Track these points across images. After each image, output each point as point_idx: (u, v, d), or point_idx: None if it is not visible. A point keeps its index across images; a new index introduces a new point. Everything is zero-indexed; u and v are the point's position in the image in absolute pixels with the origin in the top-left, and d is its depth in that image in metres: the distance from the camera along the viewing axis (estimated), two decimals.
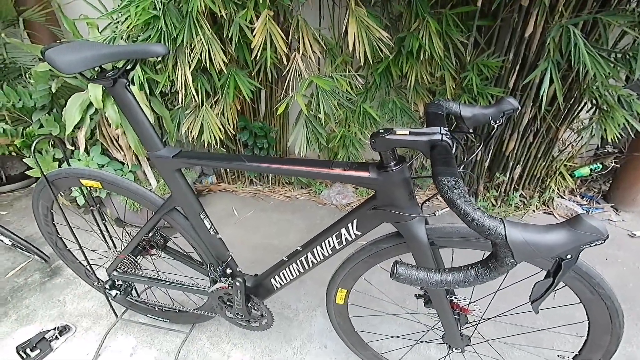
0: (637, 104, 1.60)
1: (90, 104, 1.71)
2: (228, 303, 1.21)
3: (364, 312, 1.24)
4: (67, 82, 1.79)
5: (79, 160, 1.86)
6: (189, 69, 1.59)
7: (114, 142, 1.88)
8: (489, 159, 2.03)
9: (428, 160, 2.12)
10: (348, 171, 0.76)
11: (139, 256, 1.22)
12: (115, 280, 1.29)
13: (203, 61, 1.55)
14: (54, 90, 1.77)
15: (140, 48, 0.84)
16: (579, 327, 0.89)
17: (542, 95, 1.53)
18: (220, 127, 1.83)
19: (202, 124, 1.81)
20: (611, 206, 2.09)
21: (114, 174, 1.08)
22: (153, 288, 1.56)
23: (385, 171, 0.73)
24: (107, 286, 1.28)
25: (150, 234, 1.18)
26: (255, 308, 1.20)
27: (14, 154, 2.05)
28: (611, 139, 1.66)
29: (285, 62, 1.62)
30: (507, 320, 1.08)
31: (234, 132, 2.01)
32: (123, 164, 1.96)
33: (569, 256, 0.47)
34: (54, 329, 1.42)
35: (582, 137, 1.82)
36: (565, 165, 2.05)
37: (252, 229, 2.03)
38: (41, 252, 1.71)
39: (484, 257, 0.53)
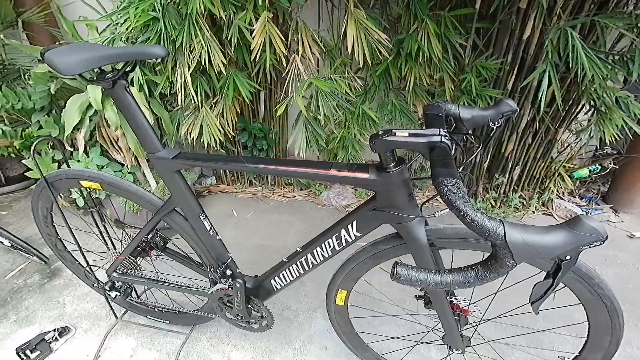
0: (635, 106, 1.61)
1: (90, 106, 1.71)
2: (228, 304, 1.21)
3: (364, 313, 1.24)
4: (66, 83, 1.79)
5: (79, 161, 1.86)
6: (189, 70, 1.59)
7: (114, 143, 1.88)
8: (488, 160, 2.03)
9: (427, 162, 2.13)
10: (348, 172, 0.76)
11: (139, 257, 1.22)
12: (115, 281, 1.29)
13: (202, 63, 1.55)
14: (53, 92, 1.77)
15: (139, 50, 0.84)
16: (579, 328, 0.89)
17: (541, 97, 1.53)
18: (220, 128, 1.83)
19: (201, 126, 1.81)
20: (610, 207, 2.10)
21: (113, 175, 1.07)
22: (153, 289, 1.56)
23: (385, 172, 0.73)
24: (106, 287, 1.28)
25: (150, 235, 1.18)
26: (256, 309, 1.20)
27: (13, 155, 2.05)
28: (609, 141, 1.67)
29: (284, 64, 1.62)
30: (507, 321, 1.08)
31: (233, 134, 2.01)
32: (122, 165, 1.96)
33: (568, 257, 0.48)
34: (54, 330, 1.42)
35: (581, 138, 1.83)
36: (564, 167, 2.06)
37: (252, 230, 2.03)
38: (41, 253, 1.71)
39: (484, 258, 0.53)
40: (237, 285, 1.12)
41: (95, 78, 0.82)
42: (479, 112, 0.75)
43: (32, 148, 1.02)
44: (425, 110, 0.75)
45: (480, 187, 2.12)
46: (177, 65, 1.62)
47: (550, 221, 2.04)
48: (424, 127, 0.68)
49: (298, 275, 1.04)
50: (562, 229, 0.46)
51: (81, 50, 0.75)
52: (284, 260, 1.05)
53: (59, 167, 1.91)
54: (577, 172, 2.12)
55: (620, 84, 1.67)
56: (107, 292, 1.29)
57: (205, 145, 1.87)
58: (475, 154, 0.81)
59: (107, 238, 1.27)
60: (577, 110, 1.77)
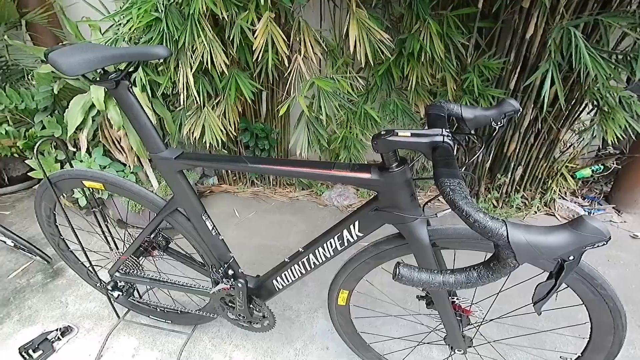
0: (638, 106, 1.60)
1: (92, 106, 1.71)
2: (230, 304, 1.21)
3: (365, 313, 1.24)
4: (69, 83, 1.79)
5: (81, 161, 1.87)
6: (191, 70, 1.60)
7: (116, 143, 1.89)
8: (490, 160, 2.03)
9: (429, 162, 2.13)
10: (350, 172, 0.76)
11: (141, 257, 1.23)
12: (118, 281, 1.30)
13: (205, 63, 1.55)
14: (56, 92, 1.78)
15: (142, 50, 0.85)
16: (582, 329, 0.89)
17: (543, 96, 1.53)
18: (222, 128, 1.83)
19: (203, 126, 1.82)
20: (613, 207, 2.09)
21: (116, 175, 1.08)
22: (155, 289, 1.57)
23: (387, 172, 0.73)
24: (109, 287, 1.29)
25: (152, 235, 1.18)
26: (257, 309, 1.20)
27: (16, 155, 2.06)
28: (612, 141, 1.66)
29: (286, 64, 1.62)
30: (509, 322, 1.08)
31: (235, 134, 2.02)
32: (125, 165, 1.96)
33: (571, 257, 0.48)
34: (56, 329, 1.43)
35: (584, 138, 1.82)
36: (566, 167, 2.05)
37: (254, 230, 2.04)
38: (43, 253, 1.72)
39: (486, 259, 0.53)
40: (239, 285, 1.12)
41: (98, 78, 0.82)
42: (482, 112, 0.75)
43: (36, 148, 1.03)
44: (427, 110, 0.75)
45: (482, 187, 2.12)
46: (180, 65, 1.62)
47: (553, 221, 2.03)
48: (426, 127, 0.68)
49: (300, 275, 1.04)
50: (565, 229, 0.46)
51: (84, 51, 0.75)
52: (286, 260, 1.05)
53: (61, 167, 1.92)
54: (580, 172, 2.11)
55: (624, 84, 1.66)
56: (109, 291, 1.29)
57: (207, 146, 1.88)
58: (478, 154, 0.81)
59: (109, 238, 1.27)
60: (580, 110, 1.77)
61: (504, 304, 0.98)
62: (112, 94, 0.86)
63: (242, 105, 1.98)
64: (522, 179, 2.06)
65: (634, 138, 1.82)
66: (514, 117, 1.73)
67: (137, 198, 1.07)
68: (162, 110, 1.86)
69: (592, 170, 2.10)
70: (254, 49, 1.52)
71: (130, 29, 1.52)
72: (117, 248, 1.27)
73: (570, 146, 2.00)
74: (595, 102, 1.66)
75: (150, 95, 1.77)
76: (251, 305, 1.19)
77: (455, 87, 1.71)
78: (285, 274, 1.07)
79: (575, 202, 2.13)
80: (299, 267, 1.02)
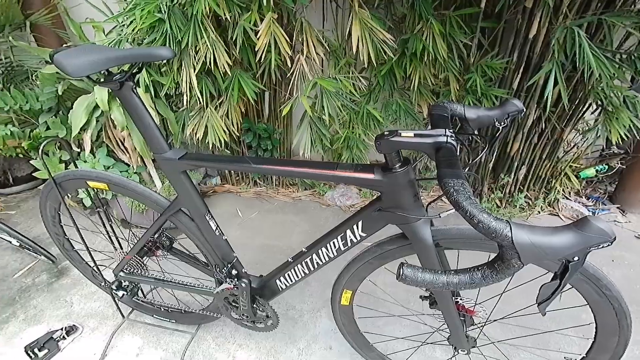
0: None
1: (96, 106, 1.72)
2: (233, 304, 1.22)
3: (369, 313, 1.25)
4: (73, 84, 1.81)
5: (85, 162, 1.88)
6: (194, 71, 1.60)
7: (120, 144, 1.90)
8: (493, 160, 2.02)
9: (432, 162, 2.13)
10: (353, 173, 0.77)
11: (145, 257, 1.23)
12: (122, 280, 1.30)
13: (208, 63, 1.56)
14: (60, 93, 1.79)
15: (147, 52, 0.85)
16: (586, 329, 0.88)
17: (547, 96, 1.52)
18: (225, 129, 1.84)
19: (206, 126, 1.82)
20: (617, 207, 2.08)
21: (120, 175, 1.08)
22: (159, 289, 1.57)
23: (391, 173, 0.73)
24: (113, 287, 1.30)
25: (156, 235, 1.19)
26: (261, 309, 1.20)
27: (21, 155, 2.07)
28: (616, 140, 1.65)
29: (289, 64, 1.62)
30: (513, 322, 1.08)
31: (238, 134, 2.02)
32: (128, 165, 1.97)
33: (576, 258, 0.47)
34: (62, 329, 1.44)
35: (588, 138, 1.81)
36: (570, 166, 2.04)
37: (256, 230, 2.04)
38: (48, 252, 1.73)
39: (490, 259, 0.53)
40: (243, 285, 1.13)
41: (102, 80, 0.83)
42: (485, 112, 0.75)
43: (41, 149, 1.03)
44: (430, 110, 0.75)
45: (486, 187, 2.11)
46: (183, 66, 1.63)
47: (556, 221, 2.03)
48: (430, 128, 0.68)
49: (303, 275, 1.04)
50: (570, 230, 0.46)
51: (89, 52, 0.76)
52: (289, 260, 1.05)
53: (66, 168, 1.93)
54: (584, 172, 2.10)
55: (628, 83, 1.65)
56: (114, 291, 1.30)
57: (210, 146, 1.88)
58: (481, 154, 0.81)
59: (113, 238, 1.28)
60: (584, 110, 1.76)
61: (508, 304, 0.98)
62: (117, 95, 0.86)
63: (244, 105, 1.99)
64: (525, 178, 2.06)
65: (638, 138, 1.81)
66: (518, 117, 1.73)
67: (141, 198, 1.08)
68: (165, 110, 1.87)
69: (596, 170, 2.09)
70: (256, 49, 1.52)
71: (133, 30, 1.53)
72: (122, 248, 1.28)
73: (574, 146, 1.99)
74: (599, 102, 1.65)
75: (153, 96, 1.78)
76: (255, 305, 1.20)
77: (458, 87, 1.71)
78: (288, 274, 1.07)
79: (579, 202, 2.12)
80: (302, 267, 1.02)
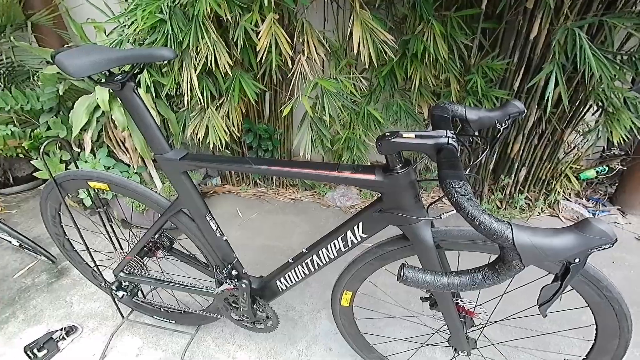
0: None
1: (97, 107, 1.72)
2: (233, 305, 1.21)
3: (369, 314, 1.24)
4: (74, 84, 1.81)
5: (86, 162, 1.88)
6: (195, 71, 1.60)
7: (120, 144, 1.90)
8: (493, 162, 2.02)
9: (432, 163, 2.12)
10: (354, 174, 0.77)
11: (145, 257, 1.23)
12: (122, 281, 1.30)
13: (208, 64, 1.56)
14: (61, 93, 1.79)
15: (148, 52, 0.85)
16: (586, 331, 0.88)
17: (547, 97, 1.52)
18: (226, 129, 1.84)
19: (207, 127, 1.82)
20: (618, 209, 2.07)
21: (121, 176, 1.08)
22: (159, 289, 1.57)
23: (392, 174, 0.73)
24: (113, 287, 1.30)
25: (157, 236, 1.19)
26: (261, 310, 1.20)
27: (21, 155, 2.07)
28: (617, 142, 1.65)
29: (290, 65, 1.62)
30: (513, 324, 1.08)
31: (238, 135, 2.02)
32: (129, 166, 1.97)
33: (577, 260, 0.47)
34: (61, 329, 1.43)
35: (588, 139, 1.82)
36: (570, 168, 2.04)
37: (257, 231, 2.04)
38: (48, 253, 1.73)
39: (492, 261, 0.53)
40: (243, 285, 1.13)
41: (104, 80, 0.83)
42: (486, 113, 0.75)
43: (42, 149, 1.03)
44: (431, 111, 0.75)
45: (486, 188, 2.11)
46: (184, 66, 1.63)
47: (557, 223, 2.02)
48: (431, 129, 0.68)
49: (304, 276, 1.04)
50: (571, 231, 0.46)
51: (91, 52, 0.76)
52: (290, 261, 1.05)
53: (66, 168, 1.93)
54: (584, 174, 2.10)
55: (629, 85, 1.65)
56: (113, 291, 1.30)
57: (211, 146, 1.88)
58: (482, 156, 0.81)
59: (114, 238, 1.28)
60: (585, 111, 1.76)
61: (508, 306, 0.98)
62: (118, 96, 0.86)
63: (245, 106, 1.99)
64: (525, 180, 2.06)
65: (639, 139, 1.81)
66: (518, 119, 1.74)
67: (142, 199, 1.08)
68: (166, 111, 1.87)
69: (597, 172, 2.09)
70: (257, 50, 1.52)
71: (134, 31, 1.53)
72: (122, 248, 1.28)
73: (574, 147, 1.99)
74: (599, 103, 1.65)
75: (154, 96, 1.78)
76: (255, 306, 1.20)
77: (458, 88, 1.71)
78: (289, 275, 1.07)
79: (579, 204, 2.12)
80: (303, 268, 1.02)
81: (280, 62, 1.61)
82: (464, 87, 1.71)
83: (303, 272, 1.03)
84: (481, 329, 1.03)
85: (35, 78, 2.11)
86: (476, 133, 0.77)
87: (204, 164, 0.96)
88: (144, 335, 1.45)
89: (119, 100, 1.55)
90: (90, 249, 1.27)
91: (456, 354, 1.07)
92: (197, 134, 1.85)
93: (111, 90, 1.63)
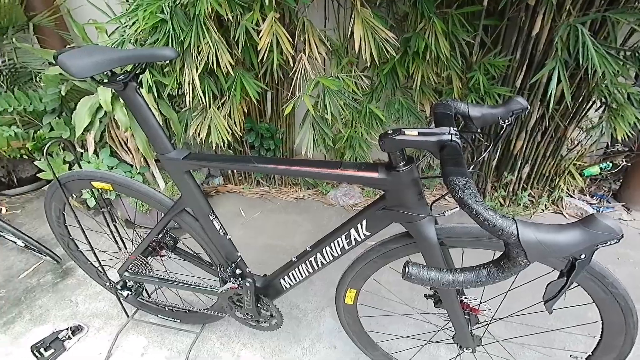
0: None
1: (100, 107, 1.73)
2: (238, 303, 1.22)
3: (373, 312, 1.24)
4: (76, 85, 1.81)
5: (89, 162, 1.89)
6: (196, 71, 1.61)
7: (123, 144, 1.90)
8: (496, 159, 2.02)
9: (435, 161, 2.12)
10: (357, 172, 0.77)
11: (150, 257, 1.24)
12: (127, 280, 1.31)
13: (210, 63, 1.56)
14: (63, 94, 1.80)
15: (150, 52, 0.85)
16: (592, 328, 0.88)
17: (550, 94, 1.52)
18: (227, 128, 1.84)
19: (209, 126, 1.82)
20: (622, 205, 2.06)
21: (124, 176, 1.09)
22: (163, 288, 1.58)
23: (395, 172, 0.73)
24: (118, 287, 1.30)
25: (160, 235, 1.19)
26: (265, 308, 1.21)
27: (25, 156, 2.08)
28: (621, 138, 1.64)
29: (291, 64, 1.62)
30: (518, 321, 1.07)
31: (240, 134, 2.02)
32: (132, 166, 1.98)
33: (582, 256, 0.47)
34: (67, 328, 1.44)
35: (592, 135, 1.80)
36: (574, 164, 2.03)
37: (259, 230, 2.04)
38: (53, 253, 1.74)
39: (496, 257, 0.53)
40: (247, 284, 1.13)
41: (106, 80, 0.83)
42: (489, 110, 0.75)
43: (45, 150, 1.04)
44: (434, 108, 0.75)
45: (489, 185, 2.11)
46: (185, 66, 1.63)
47: (560, 219, 2.02)
48: (434, 126, 0.68)
49: (307, 274, 1.04)
50: (577, 227, 0.45)
51: (93, 53, 0.76)
52: (293, 259, 1.05)
53: (69, 169, 1.94)
54: (588, 170, 2.09)
55: (632, 80, 1.64)
56: (118, 291, 1.31)
57: (213, 146, 1.89)
58: (485, 153, 0.81)
59: (118, 238, 1.28)
60: (588, 107, 1.75)
61: (513, 303, 0.98)
62: (120, 96, 0.87)
63: (247, 105, 1.99)
64: (529, 177, 2.05)
65: None
66: (521, 115, 1.73)
67: (145, 198, 1.08)
68: (168, 111, 1.88)
69: (601, 168, 2.08)
70: (258, 49, 1.52)
71: (136, 31, 1.53)
72: (126, 248, 1.29)
73: (578, 144, 1.99)
74: (603, 99, 1.64)
75: (156, 96, 1.79)
76: (259, 304, 1.20)
77: (460, 86, 1.70)
78: (292, 273, 1.07)
79: (583, 200, 2.11)
80: (307, 266, 1.02)
81: (281, 61, 1.61)
82: (466, 84, 1.71)
83: (307, 270, 1.03)
84: (486, 326, 1.02)
85: (38, 79, 2.12)
86: (479, 130, 0.77)
87: (207, 163, 0.96)
88: (149, 334, 1.45)
89: (121, 100, 1.56)
90: (95, 249, 1.28)
91: (461, 351, 1.07)
92: (199, 134, 1.85)
93: (113, 91, 1.63)
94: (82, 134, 1.77)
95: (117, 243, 1.29)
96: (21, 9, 2.12)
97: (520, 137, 1.87)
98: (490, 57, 1.64)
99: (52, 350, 1.37)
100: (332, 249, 0.94)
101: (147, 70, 1.66)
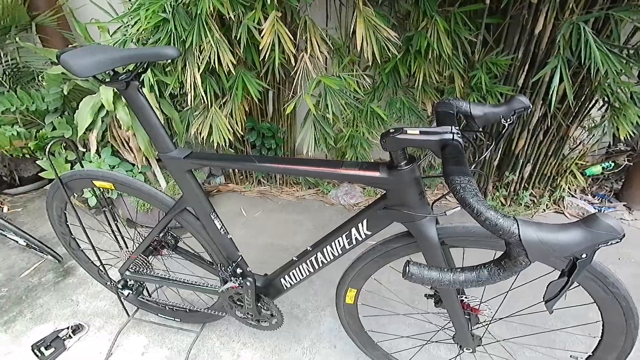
0: None
1: (102, 107, 1.73)
2: (238, 303, 1.22)
3: (373, 312, 1.24)
4: (78, 84, 1.82)
5: (91, 161, 1.89)
6: (198, 70, 1.61)
7: (124, 143, 1.91)
8: (498, 158, 2.01)
9: (436, 160, 2.12)
10: (359, 171, 0.76)
11: (151, 256, 1.24)
12: (127, 280, 1.31)
13: (212, 63, 1.56)
14: (65, 93, 1.80)
15: (152, 51, 0.86)
16: (592, 328, 0.88)
17: (552, 93, 1.51)
18: (229, 128, 1.84)
19: (211, 125, 1.83)
20: (624, 205, 2.06)
21: (125, 175, 1.09)
22: (164, 288, 1.58)
23: (396, 171, 0.73)
24: (119, 286, 1.31)
25: (162, 234, 1.19)
26: (265, 307, 1.21)
27: (27, 156, 2.09)
28: (624, 137, 1.63)
29: (293, 63, 1.62)
30: (518, 321, 1.07)
31: (242, 133, 2.02)
32: (133, 165, 1.98)
33: (584, 255, 0.47)
34: (68, 327, 1.45)
35: (594, 135, 1.80)
36: (576, 164, 2.02)
37: (260, 229, 2.04)
38: (55, 252, 1.74)
39: (497, 257, 0.52)
40: (248, 283, 1.13)
41: (109, 79, 0.83)
42: (491, 109, 0.74)
43: (48, 149, 1.04)
44: (436, 107, 0.75)
45: (490, 185, 2.10)
46: (187, 65, 1.63)
47: (562, 219, 2.01)
48: (435, 125, 0.68)
49: (308, 273, 1.04)
50: (578, 226, 0.45)
51: (95, 52, 0.76)
52: (294, 258, 1.05)
53: (71, 168, 1.94)
54: (590, 170, 2.08)
55: (635, 79, 1.63)
56: (119, 290, 1.31)
57: (215, 145, 1.89)
58: (487, 152, 0.80)
59: (119, 237, 1.29)
60: (590, 106, 1.74)
61: (513, 303, 0.98)
62: (123, 95, 0.87)
63: (248, 104, 1.99)
64: (530, 176, 2.04)
65: None
66: (523, 114, 1.72)
67: (147, 197, 1.08)
68: (169, 110, 1.88)
69: (603, 168, 2.08)
70: (260, 48, 1.52)
71: (138, 30, 1.54)
72: (127, 247, 1.29)
73: (580, 143, 1.98)
74: (605, 98, 1.64)
75: (158, 96, 1.79)
76: (259, 304, 1.20)
77: (462, 85, 1.70)
78: (293, 273, 1.07)
79: (585, 200, 2.10)
80: (307, 265, 1.02)
81: (283, 60, 1.61)
82: (468, 83, 1.70)
83: (307, 269, 1.03)
84: (486, 326, 1.02)
85: (40, 79, 2.13)
86: (481, 129, 0.77)
87: (208, 162, 0.96)
88: (150, 333, 1.46)
89: (123, 99, 1.56)
90: (96, 248, 1.28)
91: (461, 351, 1.06)
92: (200, 133, 1.86)
93: (116, 90, 1.64)
94: (84, 133, 1.77)
95: (118, 242, 1.29)
96: (24, 9, 2.12)
97: (522, 136, 1.86)
98: (492, 55, 1.63)
99: (52, 349, 1.38)
100: (332, 249, 0.94)
101: (149, 69, 1.66)
